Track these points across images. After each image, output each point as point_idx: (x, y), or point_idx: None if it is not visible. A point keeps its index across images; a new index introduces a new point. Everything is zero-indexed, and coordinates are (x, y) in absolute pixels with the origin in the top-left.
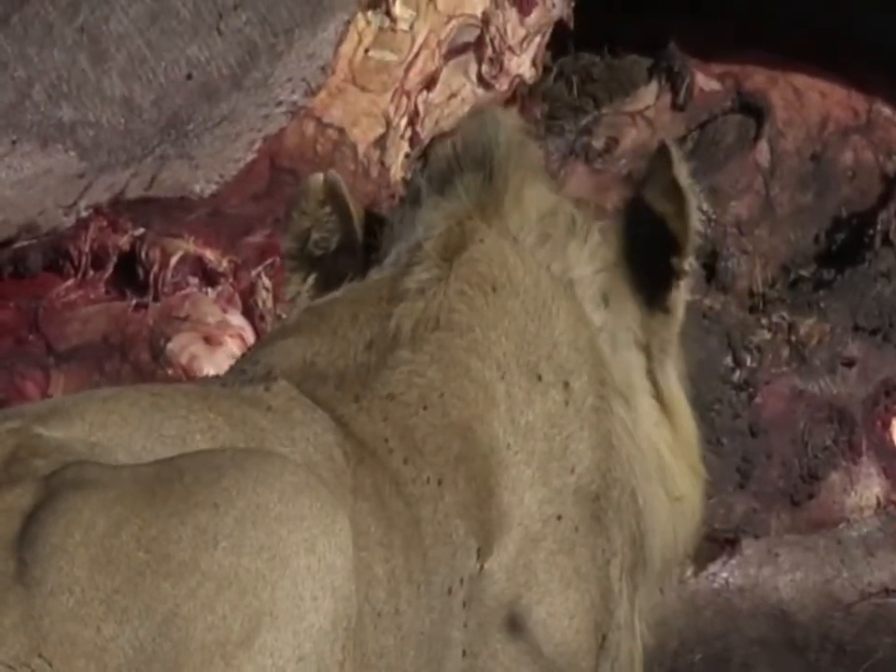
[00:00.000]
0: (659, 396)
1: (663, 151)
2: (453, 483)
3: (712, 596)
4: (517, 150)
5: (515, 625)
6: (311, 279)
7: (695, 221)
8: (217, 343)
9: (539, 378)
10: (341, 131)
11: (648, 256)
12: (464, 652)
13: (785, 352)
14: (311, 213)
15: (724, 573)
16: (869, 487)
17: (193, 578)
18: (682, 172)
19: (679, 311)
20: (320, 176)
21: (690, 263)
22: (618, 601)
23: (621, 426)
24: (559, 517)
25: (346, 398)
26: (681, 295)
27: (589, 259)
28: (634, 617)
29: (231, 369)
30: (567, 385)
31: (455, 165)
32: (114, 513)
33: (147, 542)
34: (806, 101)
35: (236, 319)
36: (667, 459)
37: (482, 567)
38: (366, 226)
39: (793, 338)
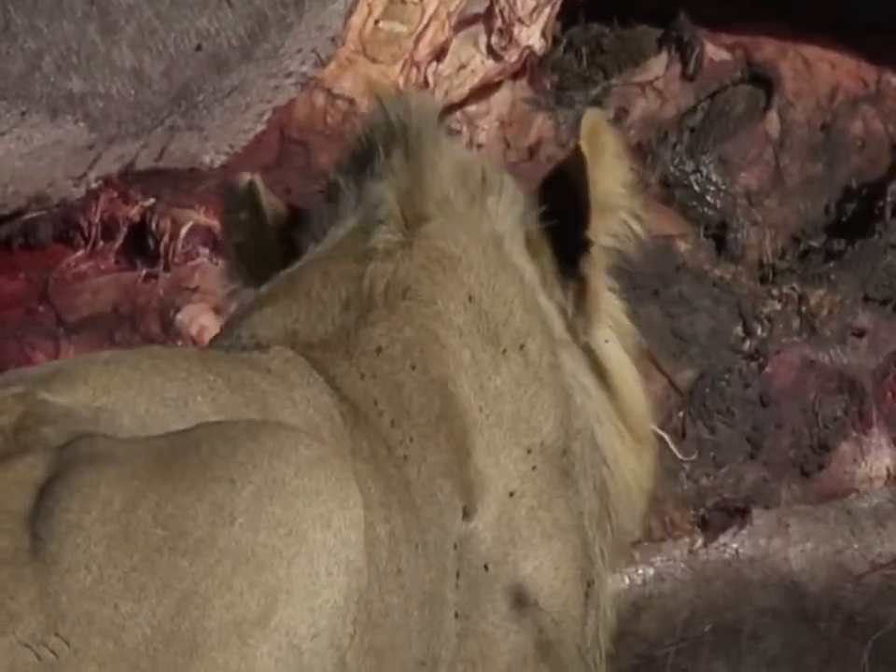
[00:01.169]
0: (591, 360)
1: (583, 116)
2: (435, 442)
3: (722, 567)
4: (419, 119)
5: (503, 583)
6: (243, 281)
7: (597, 189)
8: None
9: (500, 344)
10: (351, 102)
11: (565, 224)
12: (456, 614)
13: (795, 322)
14: (231, 216)
15: (735, 544)
16: (879, 458)
17: (211, 555)
18: (589, 135)
19: (596, 281)
20: (243, 178)
21: (594, 233)
22: (594, 550)
23: (571, 376)
24: (534, 473)
25: (336, 357)
26: (594, 265)
27: (508, 211)
28: (604, 566)
29: (212, 342)
30: (523, 347)
31: (369, 150)
32: (130, 489)
33: (164, 519)
34: (816, 71)
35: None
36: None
37: (468, 526)
38: (288, 224)
39: (804, 308)
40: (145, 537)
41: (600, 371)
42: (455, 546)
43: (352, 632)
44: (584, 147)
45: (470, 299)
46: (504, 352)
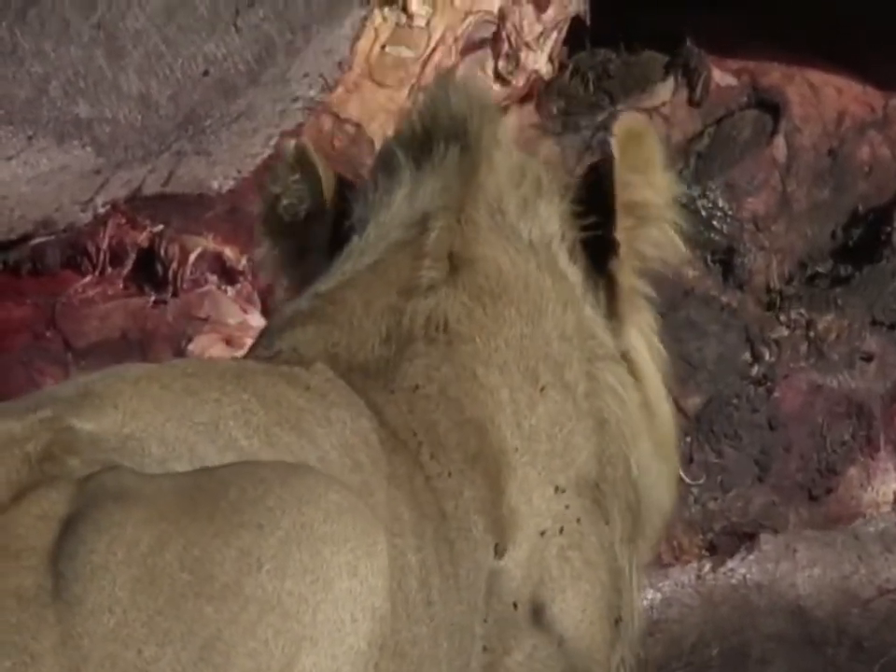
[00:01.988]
0: (626, 358)
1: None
2: (471, 479)
3: (730, 592)
4: (481, 115)
5: (531, 622)
6: (282, 245)
7: (628, 191)
8: (238, 345)
9: (538, 382)
10: (358, 126)
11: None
12: (484, 648)
13: (803, 347)
14: (281, 179)
15: (742, 569)
16: (886, 483)
17: (236, 602)
18: (623, 136)
19: (626, 283)
20: (292, 143)
21: (623, 235)
22: (626, 579)
23: (611, 394)
24: (566, 512)
25: (377, 386)
26: (623, 267)
27: (559, 217)
28: (634, 577)
29: (253, 349)
30: (562, 379)
31: (428, 136)
32: (157, 531)
33: (191, 563)
34: (823, 96)
35: (256, 320)
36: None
37: (499, 563)
38: (338, 192)
39: (811, 333)
40: (170, 581)
41: (633, 373)
42: (487, 582)
43: None
44: (615, 147)
45: (509, 338)
46: (542, 389)
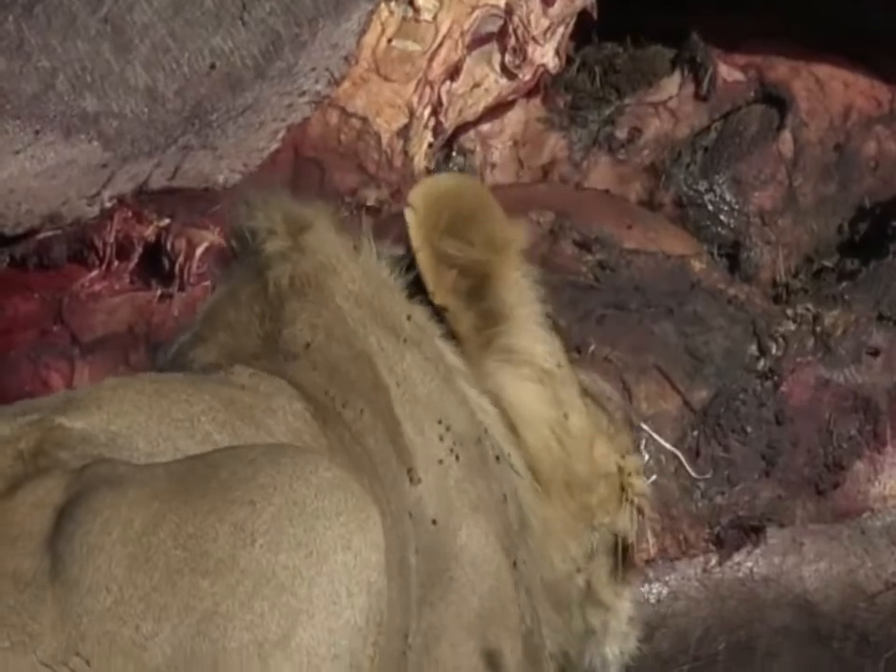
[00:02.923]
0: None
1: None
2: (377, 410)
3: (736, 586)
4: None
5: (445, 549)
6: None
7: (423, 258)
8: None
9: (399, 335)
10: (364, 120)
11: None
12: (418, 581)
13: (810, 342)
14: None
15: (749, 562)
16: (893, 477)
17: (231, 575)
18: (416, 201)
19: (462, 333)
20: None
21: (440, 300)
22: (518, 540)
23: (472, 399)
24: (455, 448)
25: (280, 366)
26: (457, 323)
27: (380, 265)
28: (530, 570)
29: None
30: (420, 347)
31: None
32: (151, 511)
33: (185, 540)
34: (829, 91)
35: None
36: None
37: (415, 490)
38: None
39: (818, 328)
40: (165, 558)
41: (508, 422)
42: (410, 511)
43: (372, 654)
44: (409, 215)
45: (359, 300)
46: (405, 341)
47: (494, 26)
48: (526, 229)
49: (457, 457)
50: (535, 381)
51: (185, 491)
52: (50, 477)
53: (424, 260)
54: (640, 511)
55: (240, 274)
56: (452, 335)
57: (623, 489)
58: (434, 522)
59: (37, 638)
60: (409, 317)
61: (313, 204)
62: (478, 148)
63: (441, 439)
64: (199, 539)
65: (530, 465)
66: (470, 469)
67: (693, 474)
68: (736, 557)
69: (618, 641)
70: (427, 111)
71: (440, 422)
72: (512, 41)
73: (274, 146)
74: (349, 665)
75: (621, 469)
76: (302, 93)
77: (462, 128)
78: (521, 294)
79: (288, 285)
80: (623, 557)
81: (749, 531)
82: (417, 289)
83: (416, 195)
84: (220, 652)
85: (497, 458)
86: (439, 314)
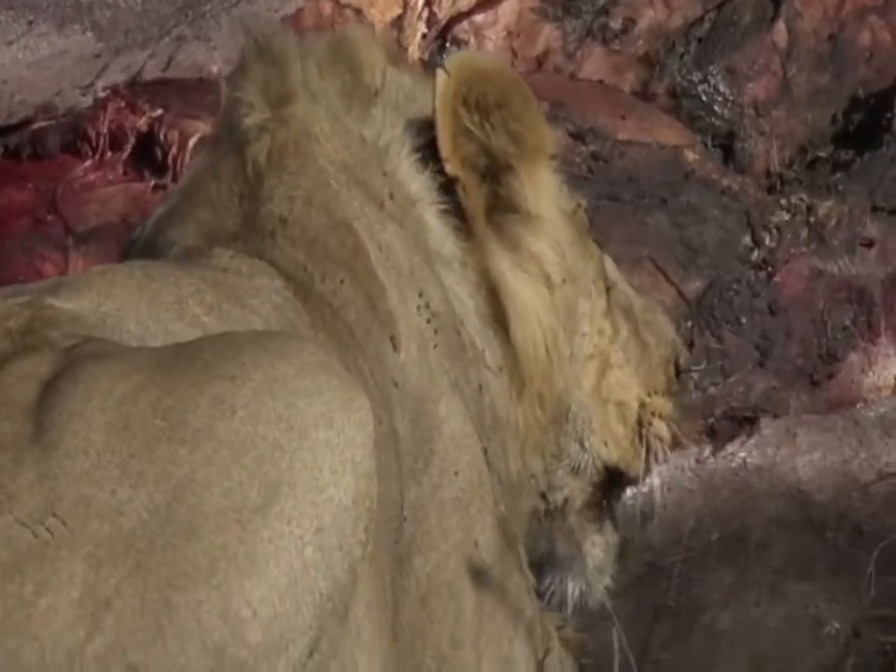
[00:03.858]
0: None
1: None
2: (357, 278)
3: (730, 476)
4: (295, 50)
5: (428, 421)
6: None
7: (444, 120)
8: None
9: (382, 205)
10: (358, 11)
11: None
12: (406, 450)
13: (804, 232)
14: None
15: (742, 453)
16: (887, 368)
17: (209, 444)
18: (451, 69)
19: (471, 206)
20: None
21: (452, 168)
22: (488, 433)
23: (452, 293)
24: (434, 325)
25: (258, 245)
26: (469, 198)
27: (396, 118)
28: (498, 465)
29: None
30: (402, 226)
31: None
32: (131, 382)
33: (164, 410)
34: None
35: None
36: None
37: (398, 357)
38: None
39: (812, 219)
40: (143, 426)
41: (495, 303)
42: (394, 379)
43: (363, 540)
44: (439, 79)
45: (345, 167)
46: (386, 214)
47: None
48: (559, 137)
49: (436, 332)
50: (538, 280)
51: (168, 366)
52: (38, 353)
53: (443, 125)
54: (654, 454)
55: (221, 149)
56: (457, 212)
57: (639, 425)
58: (417, 390)
59: (15, 498)
60: (391, 195)
61: (306, 68)
62: (472, 39)
63: (420, 310)
64: (178, 409)
65: (511, 359)
66: (450, 349)
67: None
68: (730, 448)
69: (580, 583)
70: (421, 1)
71: (420, 295)
72: None
73: None
74: (337, 546)
75: (643, 406)
76: None
77: (456, 18)
78: (544, 197)
79: (266, 161)
80: (607, 493)
81: (743, 422)
82: (430, 156)
83: (453, 61)
84: (197, 516)
85: (471, 361)
86: (448, 186)
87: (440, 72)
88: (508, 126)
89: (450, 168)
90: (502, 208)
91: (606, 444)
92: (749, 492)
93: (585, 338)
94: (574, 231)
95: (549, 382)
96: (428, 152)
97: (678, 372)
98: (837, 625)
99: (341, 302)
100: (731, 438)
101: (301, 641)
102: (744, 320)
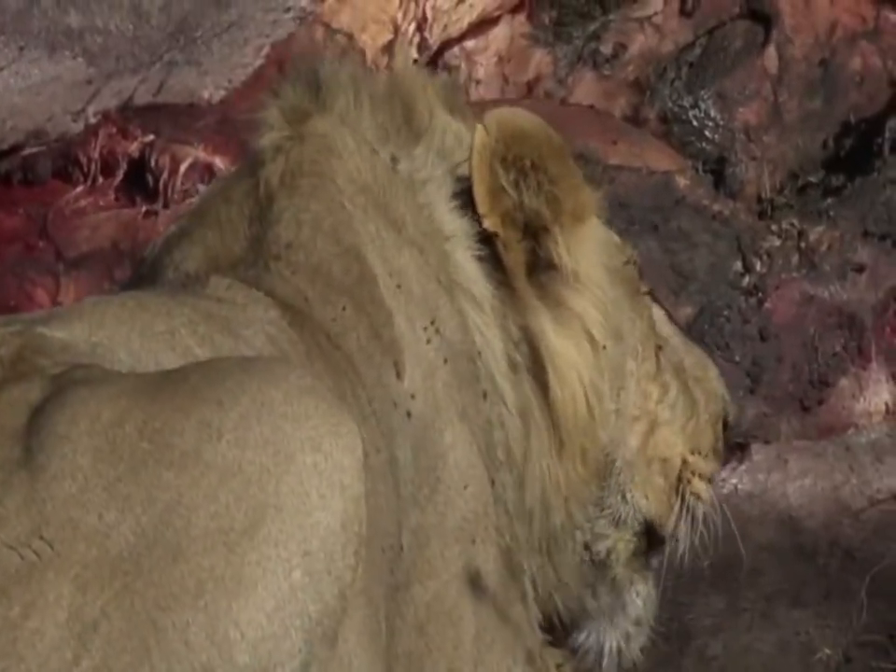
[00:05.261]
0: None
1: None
2: (360, 306)
3: (721, 502)
4: (348, 81)
5: (432, 449)
6: None
7: (480, 175)
8: None
9: (401, 230)
10: (349, 36)
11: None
12: (407, 478)
13: (795, 258)
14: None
15: (734, 479)
16: (878, 393)
17: (196, 468)
18: (493, 124)
19: (511, 263)
20: None
21: (491, 224)
22: (497, 459)
23: (474, 325)
24: (446, 353)
25: (259, 270)
26: (508, 253)
27: (444, 167)
28: (507, 498)
29: (135, 282)
30: (423, 251)
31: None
32: (118, 406)
33: (151, 434)
34: (814, 6)
35: None
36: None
37: (403, 384)
38: None
39: (803, 244)
40: (130, 450)
41: (535, 359)
42: (396, 404)
43: (353, 564)
44: (478, 135)
45: (366, 185)
46: (404, 240)
47: None
48: (602, 195)
49: (445, 361)
50: (581, 337)
51: (154, 391)
52: (28, 380)
53: (479, 181)
54: (691, 511)
55: (237, 170)
56: (493, 261)
57: (679, 481)
58: (421, 417)
59: (2, 521)
60: (415, 223)
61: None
62: (463, 64)
63: (429, 338)
64: (164, 433)
65: (550, 417)
66: (460, 378)
67: None
68: (721, 473)
69: (619, 636)
70: (412, 27)
71: (432, 322)
72: None
73: (259, 62)
74: (325, 570)
75: (685, 464)
76: (287, 9)
77: (447, 44)
78: (586, 256)
79: (279, 182)
80: (648, 546)
81: (734, 447)
82: (470, 204)
83: (493, 117)
84: (183, 539)
85: (485, 394)
86: (486, 236)
87: (479, 128)
88: (543, 188)
89: (489, 223)
90: (543, 265)
91: (646, 497)
92: (741, 518)
93: (631, 397)
94: (621, 290)
95: (592, 437)
96: (469, 199)
97: (725, 428)
98: (828, 651)
99: (340, 330)
100: (722, 463)
101: (289, 664)
102: (734, 346)
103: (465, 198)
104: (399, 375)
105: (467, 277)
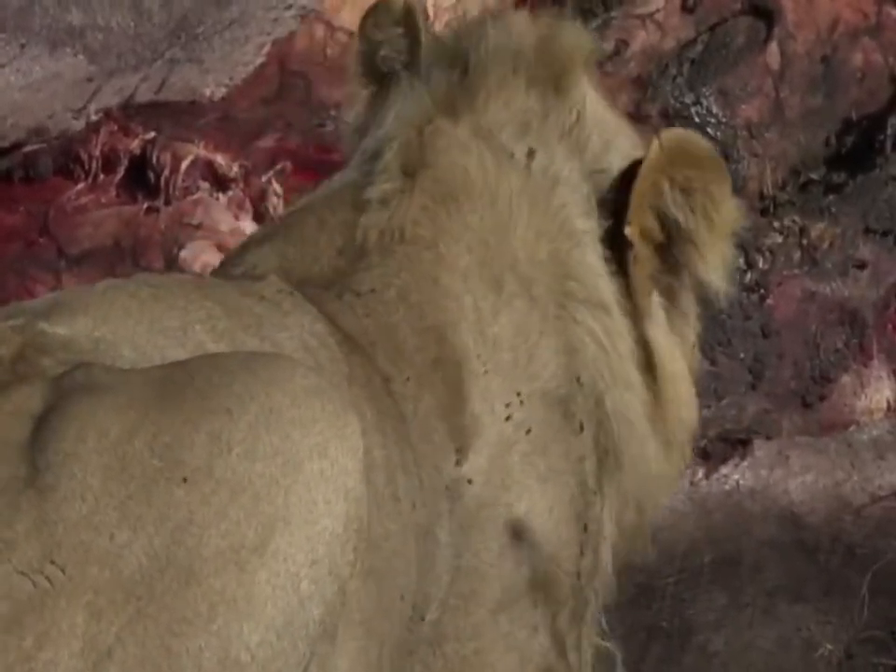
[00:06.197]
0: (640, 348)
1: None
2: (430, 384)
3: (723, 498)
4: (502, 50)
5: (495, 524)
6: (370, 90)
7: (642, 188)
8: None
9: (502, 290)
10: (350, 34)
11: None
12: (450, 553)
13: (796, 255)
14: (385, 29)
15: (735, 475)
16: (879, 390)
17: (207, 484)
18: (668, 142)
19: (639, 283)
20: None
21: (631, 234)
22: (592, 496)
23: (586, 332)
24: (530, 420)
25: (329, 296)
26: (637, 265)
27: (580, 165)
28: (607, 515)
29: (213, 273)
30: (529, 293)
31: (433, 59)
32: (127, 420)
33: (161, 449)
34: (816, 3)
35: (248, 226)
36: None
37: (460, 469)
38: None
39: (805, 241)
40: (141, 467)
41: (648, 363)
42: (448, 487)
43: (352, 560)
44: (653, 148)
45: (473, 244)
46: (506, 297)
47: None
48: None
49: (528, 431)
50: (686, 348)
51: (161, 399)
52: (29, 384)
53: (641, 193)
54: None
55: (341, 191)
56: (617, 267)
57: None
58: (477, 498)
59: (12, 546)
60: (534, 244)
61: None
62: None
63: (509, 417)
64: (175, 448)
65: (662, 417)
66: (544, 438)
67: None
68: (723, 470)
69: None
70: None
71: (518, 394)
72: None
73: (260, 60)
74: (328, 572)
75: None
76: (288, 7)
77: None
78: (717, 269)
79: (377, 239)
80: None
81: (736, 444)
82: (601, 205)
83: (669, 136)
84: (196, 560)
85: (581, 427)
86: (612, 243)
87: (655, 143)
88: (706, 210)
89: (629, 232)
90: (670, 271)
91: None
92: (742, 514)
93: None
94: None
95: (691, 439)
96: (604, 202)
97: None
98: (830, 647)
99: (399, 390)
100: (724, 460)
101: None
102: (736, 343)
103: (598, 199)
104: (458, 462)
105: (594, 279)
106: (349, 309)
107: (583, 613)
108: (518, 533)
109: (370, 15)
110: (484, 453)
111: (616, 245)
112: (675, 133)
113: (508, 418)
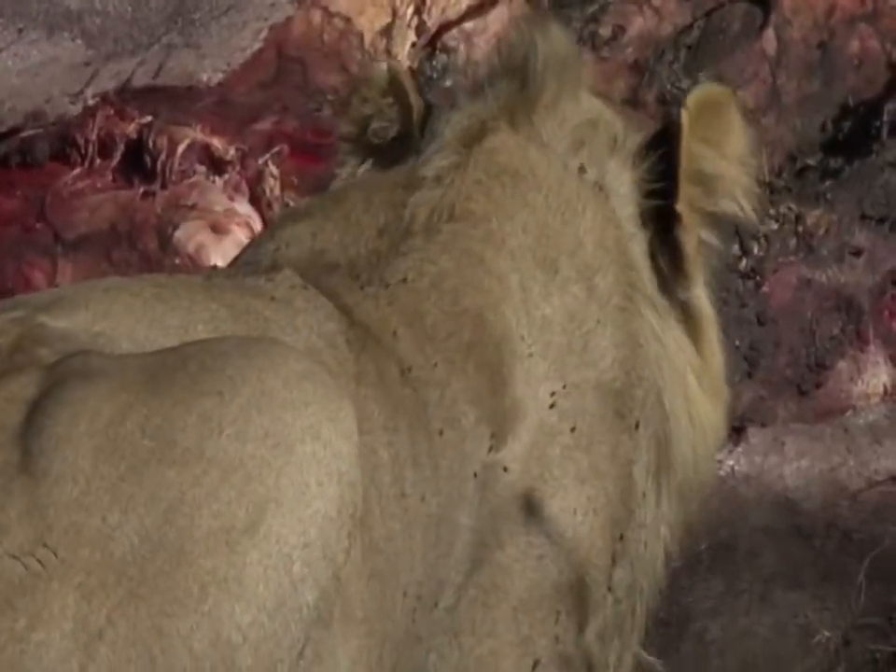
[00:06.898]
0: (685, 316)
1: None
2: (462, 369)
3: (718, 484)
4: (558, 62)
5: (527, 518)
6: (365, 165)
7: (691, 162)
8: (224, 231)
9: (557, 273)
10: (347, 20)
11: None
12: (474, 540)
13: (792, 241)
14: (372, 101)
15: (730, 461)
16: (876, 375)
17: (198, 465)
18: (697, 106)
19: (691, 248)
20: (384, 66)
21: (686, 206)
22: (640, 501)
23: (649, 329)
24: (577, 411)
25: (353, 285)
26: (688, 233)
27: (630, 179)
28: (658, 520)
29: (238, 258)
30: (590, 281)
31: (492, 72)
32: (119, 402)
33: (152, 431)
34: None
35: (243, 207)
36: (691, 380)
37: (495, 455)
38: (423, 120)
39: (800, 228)
40: (132, 448)
41: (694, 326)
42: (476, 474)
43: (347, 546)
44: (685, 118)
45: (532, 220)
46: (561, 281)
47: None
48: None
49: (574, 423)
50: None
51: (154, 382)
52: (26, 373)
53: (683, 165)
54: None
55: (395, 171)
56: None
57: None
58: (510, 487)
59: (4, 530)
60: (597, 240)
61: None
62: (461, 47)
63: (554, 405)
64: (166, 429)
65: (710, 374)
66: (591, 433)
67: None
68: (718, 456)
69: None
70: (410, 10)
71: (566, 380)
72: None
73: (257, 45)
74: (322, 556)
75: None
76: None
77: (445, 27)
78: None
79: (425, 219)
80: None
81: (731, 431)
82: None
83: (694, 99)
84: (187, 540)
85: (637, 425)
86: (653, 226)
87: (684, 114)
88: (724, 149)
89: (679, 205)
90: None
91: None
92: (738, 500)
93: None
94: None
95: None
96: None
97: None
98: (827, 634)
99: (424, 377)
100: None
101: (289, 657)
102: (732, 330)
103: (641, 181)
104: (493, 448)
105: (648, 273)
106: (371, 300)
107: (620, 627)
108: (548, 533)
109: (355, 92)
110: (524, 439)
111: (655, 226)
112: (697, 96)
113: (552, 406)
